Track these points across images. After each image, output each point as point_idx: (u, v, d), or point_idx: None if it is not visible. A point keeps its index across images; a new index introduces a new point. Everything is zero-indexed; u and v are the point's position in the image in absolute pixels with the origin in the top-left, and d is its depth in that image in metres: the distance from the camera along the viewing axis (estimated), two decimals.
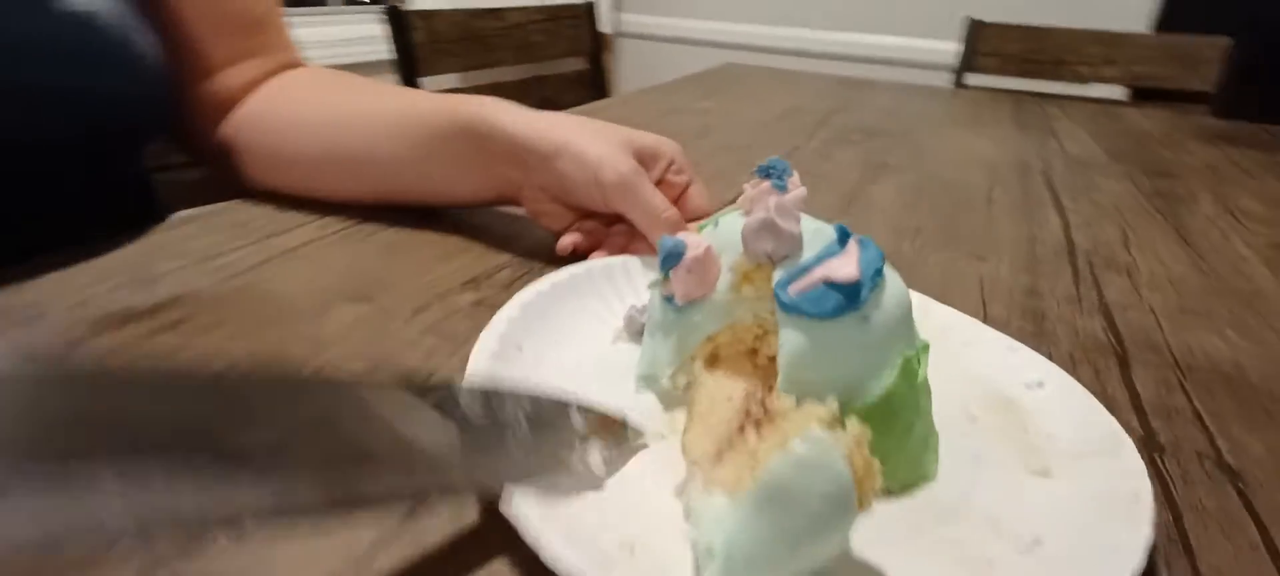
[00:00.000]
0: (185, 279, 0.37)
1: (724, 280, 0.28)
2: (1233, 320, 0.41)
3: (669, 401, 0.28)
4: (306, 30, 1.79)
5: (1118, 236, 0.53)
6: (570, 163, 0.39)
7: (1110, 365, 0.35)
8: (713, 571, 0.18)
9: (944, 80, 1.41)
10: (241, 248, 0.42)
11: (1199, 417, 0.31)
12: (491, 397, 0.21)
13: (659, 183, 0.41)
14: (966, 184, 0.65)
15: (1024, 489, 0.25)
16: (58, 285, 0.36)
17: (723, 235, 0.28)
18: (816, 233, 0.27)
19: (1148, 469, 0.24)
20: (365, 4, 2.00)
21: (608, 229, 0.43)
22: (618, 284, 0.36)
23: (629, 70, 2.37)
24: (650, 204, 0.38)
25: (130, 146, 0.47)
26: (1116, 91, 1.46)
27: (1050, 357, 0.34)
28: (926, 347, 0.27)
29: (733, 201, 0.31)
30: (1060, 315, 0.40)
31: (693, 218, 0.41)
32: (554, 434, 0.23)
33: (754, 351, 0.29)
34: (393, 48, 1.05)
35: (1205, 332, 0.39)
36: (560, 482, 0.22)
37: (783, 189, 0.29)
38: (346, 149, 0.46)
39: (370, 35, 1.78)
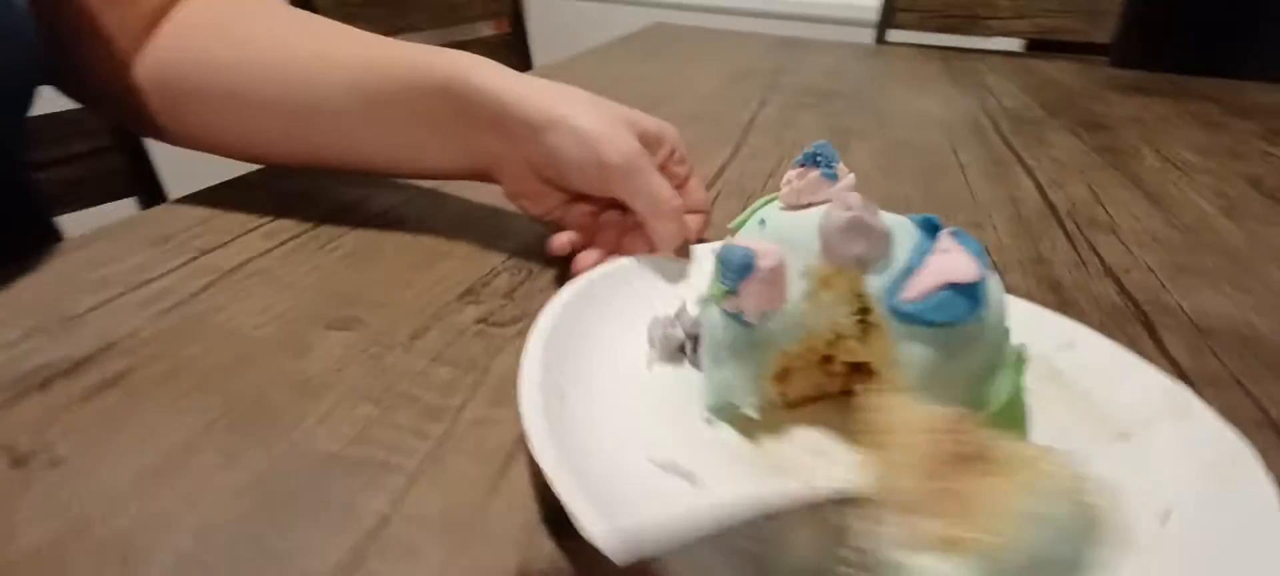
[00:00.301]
0: (114, 317, 0.30)
1: (797, 288, 0.24)
2: (1225, 275, 0.42)
3: (750, 429, 0.25)
4: None
5: (1088, 194, 0.55)
6: (566, 137, 0.33)
7: (1140, 333, 0.35)
8: None
9: (865, 37, 1.42)
10: (173, 269, 0.35)
11: (1239, 382, 0.32)
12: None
13: (660, 171, 0.36)
14: (932, 147, 0.65)
15: (1118, 455, 0.24)
16: None
17: (785, 235, 0.25)
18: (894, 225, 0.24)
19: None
20: None
21: (597, 220, 0.38)
22: (629, 294, 0.32)
23: (544, 32, 2.27)
24: (657, 191, 0.34)
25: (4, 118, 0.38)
26: (1014, 44, 1.53)
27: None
28: (1020, 343, 0.25)
29: (757, 192, 0.27)
30: (1074, 282, 0.40)
31: (691, 211, 0.37)
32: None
33: (828, 359, 0.26)
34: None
35: (1208, 291, 0.40)
36: None
37: (833, 178, 0.26)
38: (290, 95, 0.38)
39: None
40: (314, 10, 0.95)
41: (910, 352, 0.23)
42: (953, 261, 0.22)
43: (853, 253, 0.23)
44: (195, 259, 0.36)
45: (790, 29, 1.72)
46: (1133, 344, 0.34)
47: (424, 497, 0.22)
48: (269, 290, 0.33)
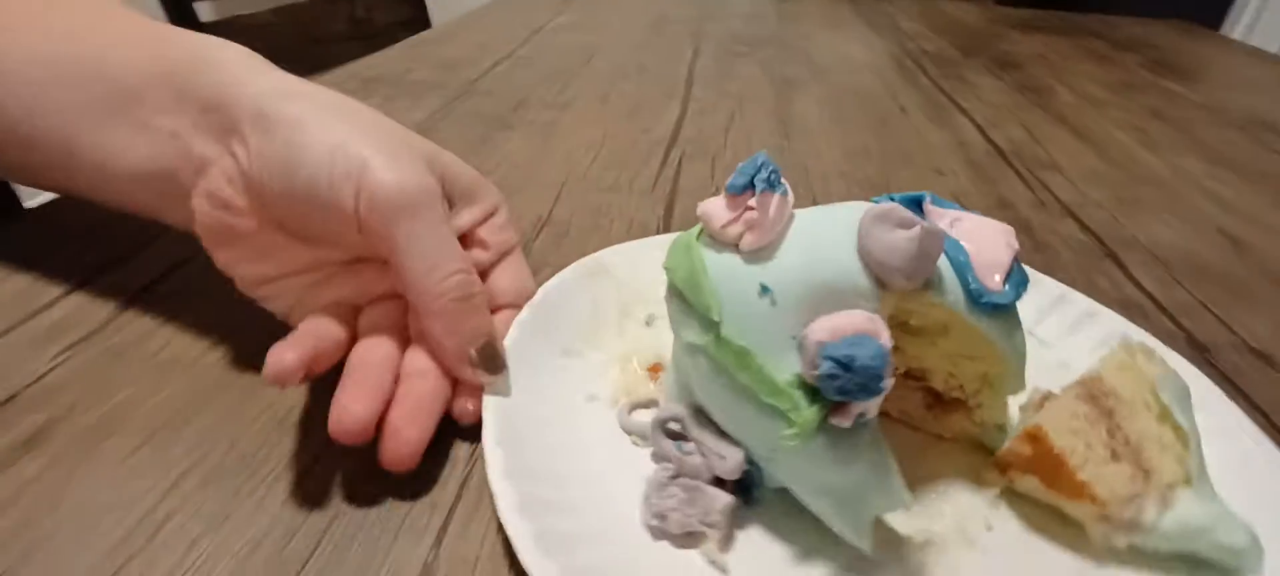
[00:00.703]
0: (5, 361, 0.24)
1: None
2: (1162, 205, 0.45)
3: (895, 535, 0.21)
4: None
5: (1023, 134, 0.57)
6: (316, 143, 0.22)
7: (1112, 268, 0.37)
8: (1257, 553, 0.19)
9: None
10: (64, 294, 0.28)
11: (1207, 309, 0.34)
12: None
13: (467, 237, 0.26)
14: (871, 93, 0.65)
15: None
16: None
17: (815, 288, 0.19)
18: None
19: (1206, 370, 0.27)
20: None
21: (345, 324, 0.24)
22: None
23: None
24: (438, 259, 0.22)
25: None
26: None
27: (1051, 270, 0.34)
28: None
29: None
30: (1040, 223, 0.41)
31: (501, 306, 0.26)
32: None
33: None
34: None
35: (1154, 222, 0.42)
36: None
37: (785, 192, 0.20)
38: None
39: None
40: None
41: (1011, 339, 0.21)
42: (989, 230, 0.21)
43: (927, 273, 0.19)
44: (90, 279, 0.29)
45: None
46: (1112, 281, 0.35)
47: (465, 541, 0.19)
48: (205, 307, 0.28)
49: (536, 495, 0.19)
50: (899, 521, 0.21)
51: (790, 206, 0.20)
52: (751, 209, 0.20)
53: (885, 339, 0.18)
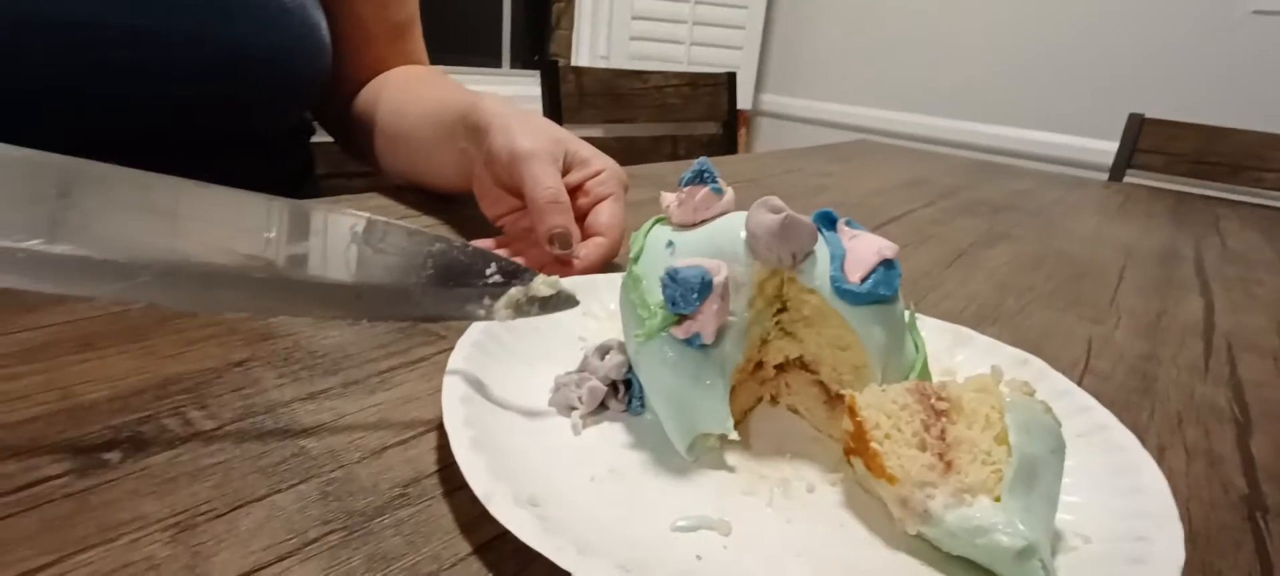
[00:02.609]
0: None
1: (740, 298, 0.25)
2: None
3: (723, 460, 0.25)
4: (473, 87, 2.00)
5: (1270, 325, 0.47)
6: (498, 135, 0.40)
7: (1226, 429, 0.32)
8: (1038, 566, 0.19)
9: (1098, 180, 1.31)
10: None
11: None
12: (402, 235, 0.26)
13: (576, 188, 0.41)
14: (1096, 260, 0.61)
15: None
16: None
17: (705, 249, 0.26)
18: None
19: (1247, 526, 0.24)
20: (535, 69, 2.21)
21: (531, 234, 0.40)
22: (510, 366, 0.28)
23: (765, 147, 2.42)
24: (541, 178, 0.38)
25: (295, 97, 0.56)
26: None
27: (1152, 414, 0.32)
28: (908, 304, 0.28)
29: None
30: (1176, 380, 0.37)
31: (589, 233, 0.40)
32: (464, 280, 0.26)
33: (759, 365, 0.28)
34: (545, 100, 1.16)
35: None
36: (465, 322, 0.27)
37: (720, 193, 0.27)
38: (401, 129, 0.53)
39: (529, 94, 1.97)
40: (559, 98, 1.17)
41: (871, 332, 0.25)
42: (871, 242, 0.25)
43: (788, 251, 0.25)
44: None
45: (1019, 166, 1.64)
46: (1209, 435, 0.31)
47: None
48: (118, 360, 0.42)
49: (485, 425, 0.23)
50: (732, 458, 0.25)
51: (724, 202, 0.28)
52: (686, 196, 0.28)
53: (719, 277, 0.24)
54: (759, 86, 2.37)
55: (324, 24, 0.52)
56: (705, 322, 0.24)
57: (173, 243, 0.22)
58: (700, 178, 0.28)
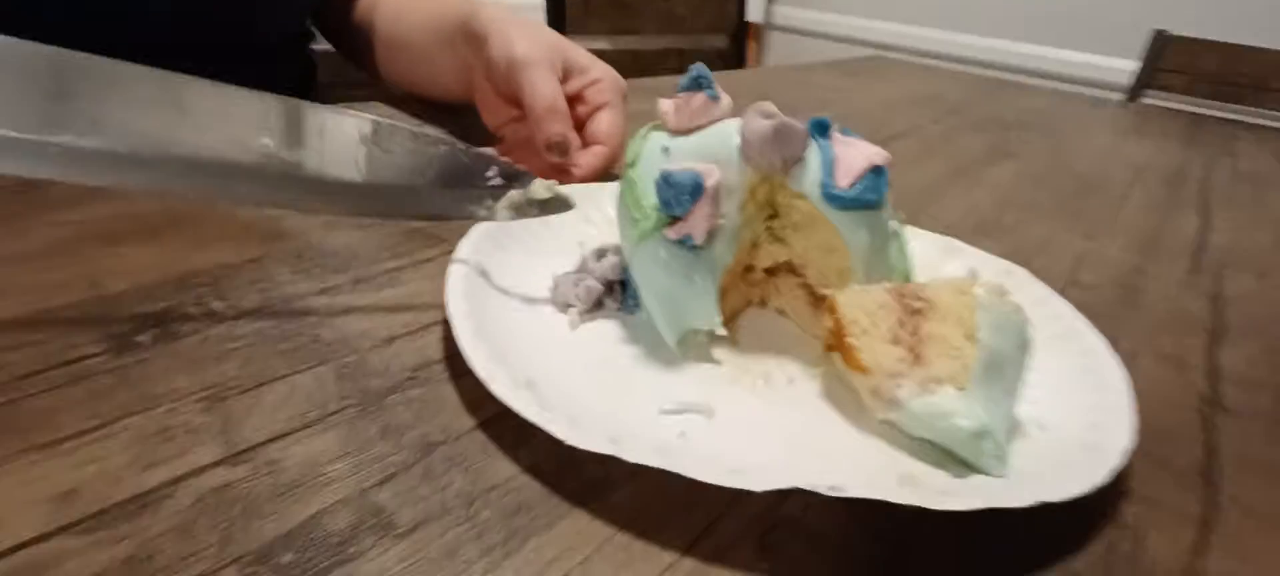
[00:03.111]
0: None
1: (732, 202, 0.26)
2: None
3: (712, 353, 0.26)
4: None
5: (1269, 242, 0.48)
6: (497, 43, 0.40)
7: (1199, 338, 0.33)
8: (993, 445, 0.21)
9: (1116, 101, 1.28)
10: None
11: None
12: (408, 137, 0.27)
13: (575, 96, 0.41)
14: (1103, 178, 0.61)
15: None
16: None
17: (699, 154, 0.26)
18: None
19: (1198, 419, 0.25)
20: None
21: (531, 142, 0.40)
22: (516, 266, 0.30)
23: (776, 62, 2.35)
24: (539, 86, 0.38)
25: (294, 4, 0.56)
26: None
27: (1130, 323, 0.33)
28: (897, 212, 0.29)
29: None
30: (1160, 293, 0.38)
31: (589, 141, 0.40)
32: (466, 182, 0.28)
33: (749, 269, 0.29)
34: (549, 9, 1.14)
35: None
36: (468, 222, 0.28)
37: (716, 99, 0.27)
38: (400, 36, 0.53)
39: (534, 3, 1.91)
40: (562, 7, 1.14)
41: (856, 235, 0.26)
42: (863, 149, 0.26)
43: (779, 157, 0.26)
44: None
45: (1034, 85, 1.60)
46: (1180, 344, 0.32)
47: None
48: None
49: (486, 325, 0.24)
50: (720, 353, 0.27)
51: (721, 108, 0.28)
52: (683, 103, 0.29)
53: (711, 181, 0.25)
54: None
55: None
56: (696, 224, 0.25)
57: (194, 137, 0.23)
58: (697, 84, 0.28)
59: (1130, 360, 0.30)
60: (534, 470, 0.20)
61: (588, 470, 0.20)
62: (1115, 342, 0.31)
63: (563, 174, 0.39)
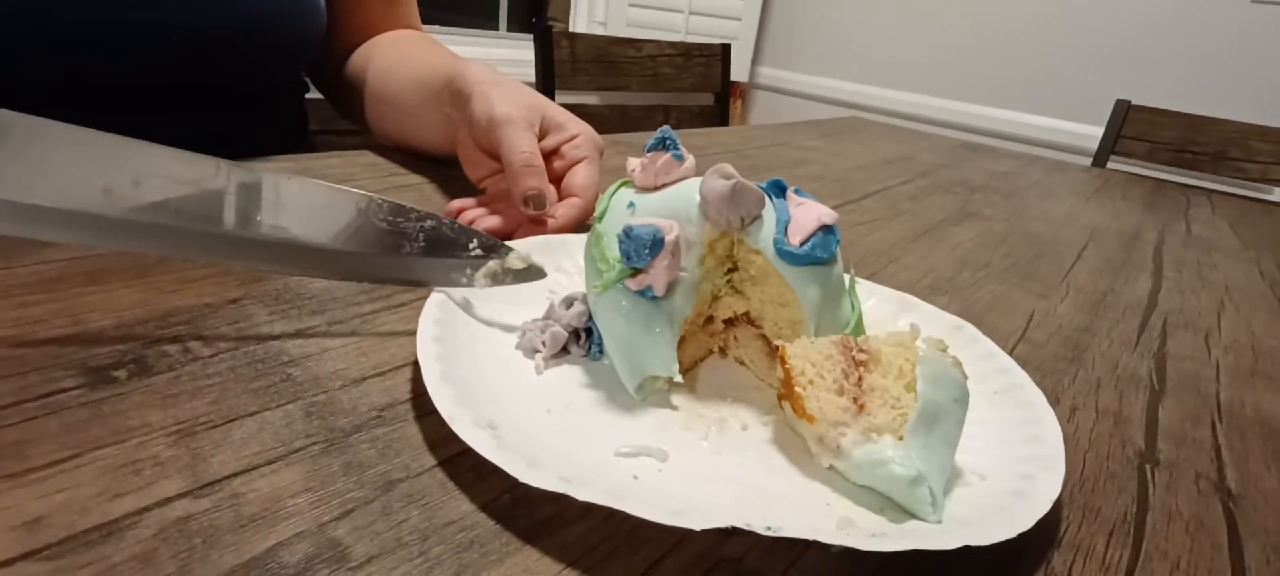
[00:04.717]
0: None
1: (691, 256, 0.28)
2: None
3: (669, 400, 0.28)
4: (469, 50, 2.01)
5: (1212, 305, 0.50)
6: (479, 102, 0.42)
7: (1140, 395, 0.35)
8: (927, 492, 0.22)
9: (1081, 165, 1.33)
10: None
11: (1218, 452, 0.30)
12: (400, 212, 0.30)
13: (552, 152, 0.43)
14: (1059, 241, 0.63)
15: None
16: None
17: (662, 210, 0.28)
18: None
19: (1134, 476, 0.27)
20: (531, 32, 2.20)
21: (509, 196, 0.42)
22: (485, 316, 0.31)
23: (759, 120, 2.43)
24: (516, 142, 0.40)
25: (293, 57, 0.58)
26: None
27: (1073, 379, 0.35)
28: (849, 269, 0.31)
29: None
30: (1105, 351, 0.39)
31: (565, 194, 0.43)
32: (449, 252, 0.30)
33: (710, 319, 0.31)
34: (538, 65, 1.17)
35: (1271, 394, 0.37)
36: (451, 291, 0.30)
37: (681, 159, 0.29)
38: (389, 92, 0.56)
39: (525, 59, 1.96)
40: (552, 64, 1.18)
41: (807, 290, 0.28)
42: (815, 209, 0.28)
43: (737, 214, 0.28)
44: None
45: (1004, 148, 1.66)
46: (1122, 399, 0.34)
47: None
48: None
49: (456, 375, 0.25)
50: (677, 399, 0.28)
51: (685, 168, 0.30)
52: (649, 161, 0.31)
53: (670, 235, 0.27)
54: (756, 59, 2.36)
55: None
56: (656, 276, 0.27)
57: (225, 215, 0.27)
58: (662, 144, 0.30)
59: (1072, 414, 0.32)
60: (489, 508, 0.21)
61: (540, 509, 0.21)
62: (1059, 397, 0.32)
63: (539, 225, 0.40)
